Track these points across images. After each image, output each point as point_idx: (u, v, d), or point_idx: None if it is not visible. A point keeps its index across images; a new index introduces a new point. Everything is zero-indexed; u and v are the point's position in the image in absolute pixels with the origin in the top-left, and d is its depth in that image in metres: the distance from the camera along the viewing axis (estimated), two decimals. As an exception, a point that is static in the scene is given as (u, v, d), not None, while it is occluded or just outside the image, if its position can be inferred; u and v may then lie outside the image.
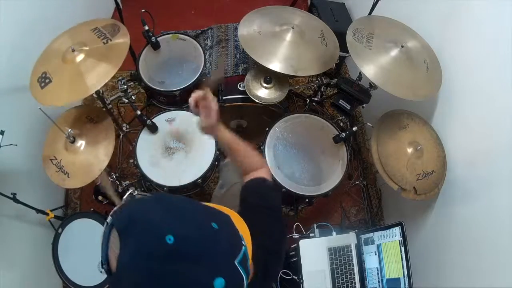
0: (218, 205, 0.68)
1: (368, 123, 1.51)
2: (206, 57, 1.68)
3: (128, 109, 2.14)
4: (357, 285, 1.38)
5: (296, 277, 1.38)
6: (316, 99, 2.05)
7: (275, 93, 1.58)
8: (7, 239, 1.45)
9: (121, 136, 1.83)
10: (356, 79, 1.52)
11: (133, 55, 1.70)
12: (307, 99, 2.03)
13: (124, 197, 0.75)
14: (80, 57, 1.24)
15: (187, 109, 1.56)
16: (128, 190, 1.66)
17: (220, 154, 1.51)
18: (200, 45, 1.66)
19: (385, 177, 1.38)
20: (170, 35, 1.67)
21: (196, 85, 1.63)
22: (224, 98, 1.65)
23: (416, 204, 1.60)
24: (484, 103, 1.25)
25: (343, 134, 1.48)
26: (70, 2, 1.91)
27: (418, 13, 1.55)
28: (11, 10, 1.43)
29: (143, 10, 1.52)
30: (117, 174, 1.67)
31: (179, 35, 1.67)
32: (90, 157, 1.35)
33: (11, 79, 1.44)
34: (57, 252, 1.45)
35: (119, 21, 1.45)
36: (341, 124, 1.78)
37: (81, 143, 1.37)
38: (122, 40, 1.28)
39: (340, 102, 1.52)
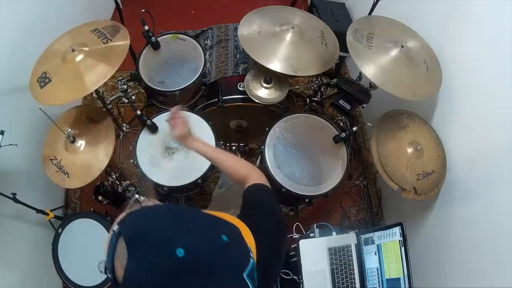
0: (227, 215, 0.67)
1: (368, 123, 1.51)
2: (206, 57, 1.68)
3: (128, 109, 2.14)
4: (357, 285, 1.38)
5: (296, 277, 1.38)
6: (316, 99, 2.05)
7: (275, 93, 1.58)
8: (7, 239, 1.45)
9: (121, 136, 1.83)
10: (356, 79, 1.52)
11: (133, 55, 1.70)
12: (307, 99, 2.03)
13: (130, 203, 0.74)
14: (80, 57, 1.24)
15: (188, 109, 1.56)
16: (128, 190, 1.69)
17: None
18: (200, 45, 1.66)
19: (385, 177, 1.38)
20: (170, 35, 1.66)
21: (196, 85, 1.63)
22: (224, 98, 1.65)
23: (416, 204, 1.60)
24: (484, 103, 1.25)
25: (343, 134, 1.48)
26: (70, 2, 1.91)
27: (418, 13, 1.55)
28: (11, 10, 1.43)
29: (143, 10, 1.52)
30: (117, 174, 1.67)
31: (179, 35, 1.67)
32: (90, 157, 1.35)
33: (11, 79, 1.44)
34: (57, 252, 1.45)
35: (119, 21, 1.45)
36: (341, 124, 1.78)
37: (81, 143, 1.37)
38: (122, 41, 1.28)
39: (340, 102, 1.52)
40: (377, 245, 1.37)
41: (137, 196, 0.76)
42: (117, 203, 1.76)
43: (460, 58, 1.36)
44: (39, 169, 1.37)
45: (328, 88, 2.06)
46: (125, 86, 1.52)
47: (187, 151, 1.49)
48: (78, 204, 2.01)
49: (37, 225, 1.64)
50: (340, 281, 1.37)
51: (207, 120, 1.51)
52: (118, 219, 0.55)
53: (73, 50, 1.24)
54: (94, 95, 1.34)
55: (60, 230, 1.47)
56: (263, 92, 1.57)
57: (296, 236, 1.46)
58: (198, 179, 1.43)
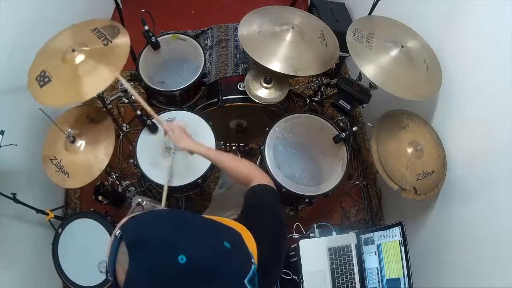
0: (228, 220, 0.68)
1: (368, 123, 1.51)
2: (206, 57, 1.68)
3: (128, 109, 2.14)
4: (357, 285, 1.38)
5: (296, 277, 1.38)
6: (316, 99, 2.05)
7: (275, 93, 1.58)
8: (7, 239, 1.45)
9: (121, 136, 1.83)
10: (356, 79, 1.52)
11: (133, 55, 1.70)
12: (307, 99, 2.03)
13: (132, 206, 0.74)
14: (80, 57, 1.23)
15: (187, 109, 1.56)
16: (128, 190, 1.69)
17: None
18: (200, 45, 1.66)
19: (385, 177, 1.38)
20: (170, 35, 1.66)
21: (195, 85, 1.63)
22: (224, 98, 1.65)
23: (416, 204, 1.60)
24: (484, 103, 1.25)
25: (343, 134, 1.48)
26: (70, 2, 1.91)
27: (418, 13, 1.55)
28: (11, 10, 1.43)
29: (143, 10, 1.52)
30: (117, 174, 1.67)
31: (179, 35, 1.67)
32: (90, 157, 1.35)
33: (11, 79, 1.44)
34: (57, 252, 1.45)
35: (119, 21, 1.45)
36: (341, 124, 1.78)
37: (81, 143, 1.37)
38: (123, 44, 1.27)
39: (340, 102, 1.52)
40: (377, 245, 1.37)
41: (139, 199, 0.75)
42: (117, 203, 1.76)
43: (460, 58, 1.36)
44: (39, 169, 1.37)
45: (328, 88, 2.06)
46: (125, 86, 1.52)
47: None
48: (78, 204, 2.01)
49: (37, 225, 1.64)
50: (340, 281, 1.37)
51: (207, 120, 1.51)
52: (120, 224, 0.55)
53: (73, 50, 1.23)
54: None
55: (60, 230, 1.47)
56: (263, 92, 1.57)
57: (296, 236, 1.46)
58: (198, 179, 1.43)
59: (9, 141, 1.24)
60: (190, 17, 2.63)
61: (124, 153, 2.00)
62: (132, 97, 1.54)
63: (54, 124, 1.27)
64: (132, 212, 0.65)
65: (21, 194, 1.39)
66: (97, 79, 1.21)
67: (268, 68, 1.41)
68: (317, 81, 1.82)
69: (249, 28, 1.50)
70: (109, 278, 0.52)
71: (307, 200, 1.54)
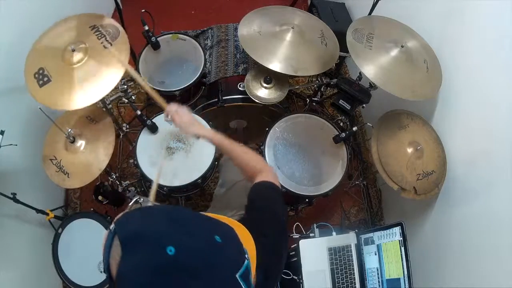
0: (225, 217, 0.68)
1: (368, 123, 1.51)
2: (206, 57, 1.68)
3: (128, 109, 2.14)
4: (357, 285, 1.38)
5: (296, 277, 1.38)
6: (316, 99, 2.05)
7: (275, 93, 1.58)
8: (7, 239, 1.45)
9: (121, 136, 1.83)
10: (356, 79, 1.52)
11: (133, 55, 1.70)
12: (307, 99, 2.03)
13: (130, 204, 0.75)
14: (78, 56, 1.22)
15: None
16: (128, 190, 1.69)
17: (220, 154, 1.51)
18: (200, 45, 1.66)
19: (385, 177, 1.38)
20: (170, 35, 1.66)
21: (195, 85, 1.63)
22: (224, 98, 1.65)
23: (416, 204, 1.60)
24: (484, 103, 1.25)
25: (343, 134, 1.48)
26: (70, 2, 1.91)
27: (418, 13, 1.55)
28: (11, 9, 1.43)
29: (143, 10, 1.52)
30: (117, 174, 1.67)
31: (179, 35, 1.67)
32: (90, 157, 1.35)
33: (11, 79, 1.44)
34: (57, 252, 1.45)
35: (119, 21, 1.45)
36: (341, 124, 1.78)
37: (81, 143, 1.37)
38: (123, 52, 1.26)
39: (340, 102, 1.52)
40: (377, 245, 1.37)
41: (137, 197, 0.76)
42: (117, 203, 1.76)
43: (460, 58, 1.36)
44: (39, 169, 1.37)
45: (328, 88, 2.06)
46: (125, 86, 1.52)
47: (187, 151, 1.49)
48: (78, 204, 2.01)
49: (37, 225, 1.64)
50: (340, 281, 1.37)
51: (207, 120, 1.51)
52: (115, 219, 0.56)
53: (73, 50, 1.23)
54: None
55: (60, 230, 1.47)
56: (263, 92, 1.57)
57: (296, 236, 1.46)
58: (198, 179, 1.43)
59: (9, 141, 1.24)
60: (190, 17, 2.63)
61: (124, 153, 2.00)
62: (132, 97, 1.54)
63: (54, 124, 1.27)
64: (129, 209, 0.65)
65: (21, 194, 1.38)
66: (97, 85, 1.20)
67: (268, 68, 1.41)
68: (317, 81, 1.83)
69: (249, 28, 1.50)
70: (104, 272, 0.53)
71: (307, 200, 1.54)
